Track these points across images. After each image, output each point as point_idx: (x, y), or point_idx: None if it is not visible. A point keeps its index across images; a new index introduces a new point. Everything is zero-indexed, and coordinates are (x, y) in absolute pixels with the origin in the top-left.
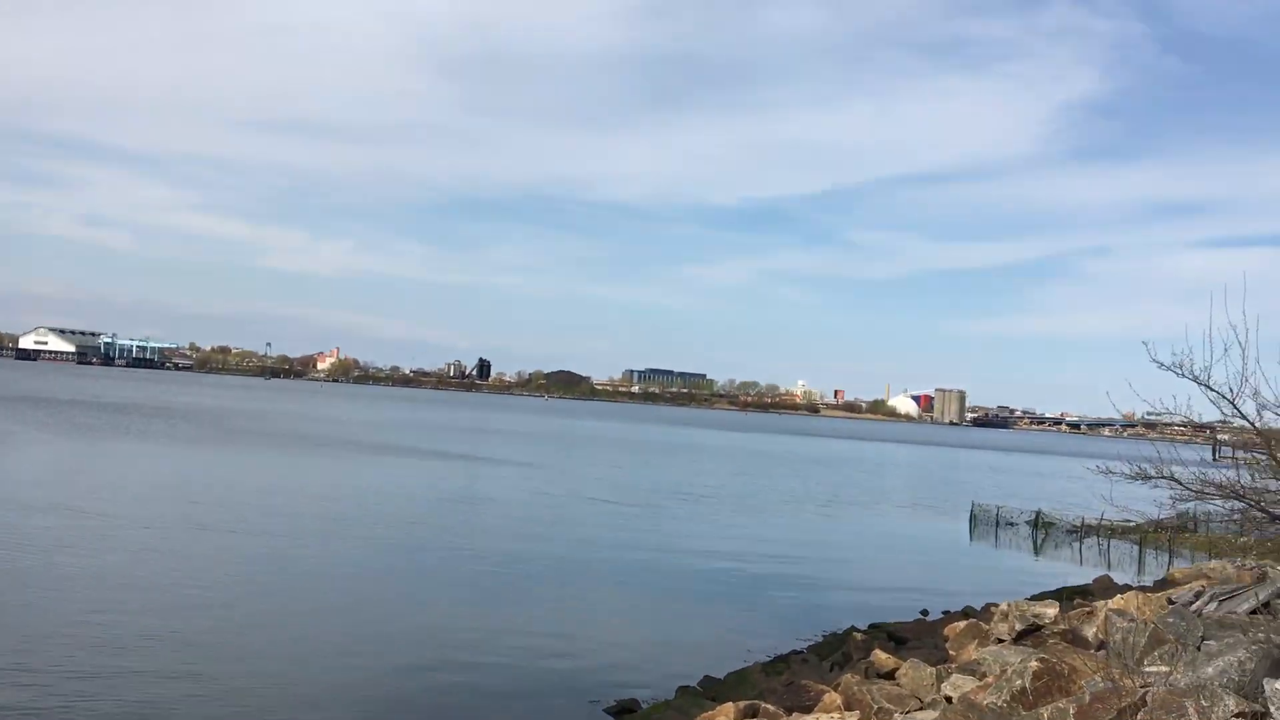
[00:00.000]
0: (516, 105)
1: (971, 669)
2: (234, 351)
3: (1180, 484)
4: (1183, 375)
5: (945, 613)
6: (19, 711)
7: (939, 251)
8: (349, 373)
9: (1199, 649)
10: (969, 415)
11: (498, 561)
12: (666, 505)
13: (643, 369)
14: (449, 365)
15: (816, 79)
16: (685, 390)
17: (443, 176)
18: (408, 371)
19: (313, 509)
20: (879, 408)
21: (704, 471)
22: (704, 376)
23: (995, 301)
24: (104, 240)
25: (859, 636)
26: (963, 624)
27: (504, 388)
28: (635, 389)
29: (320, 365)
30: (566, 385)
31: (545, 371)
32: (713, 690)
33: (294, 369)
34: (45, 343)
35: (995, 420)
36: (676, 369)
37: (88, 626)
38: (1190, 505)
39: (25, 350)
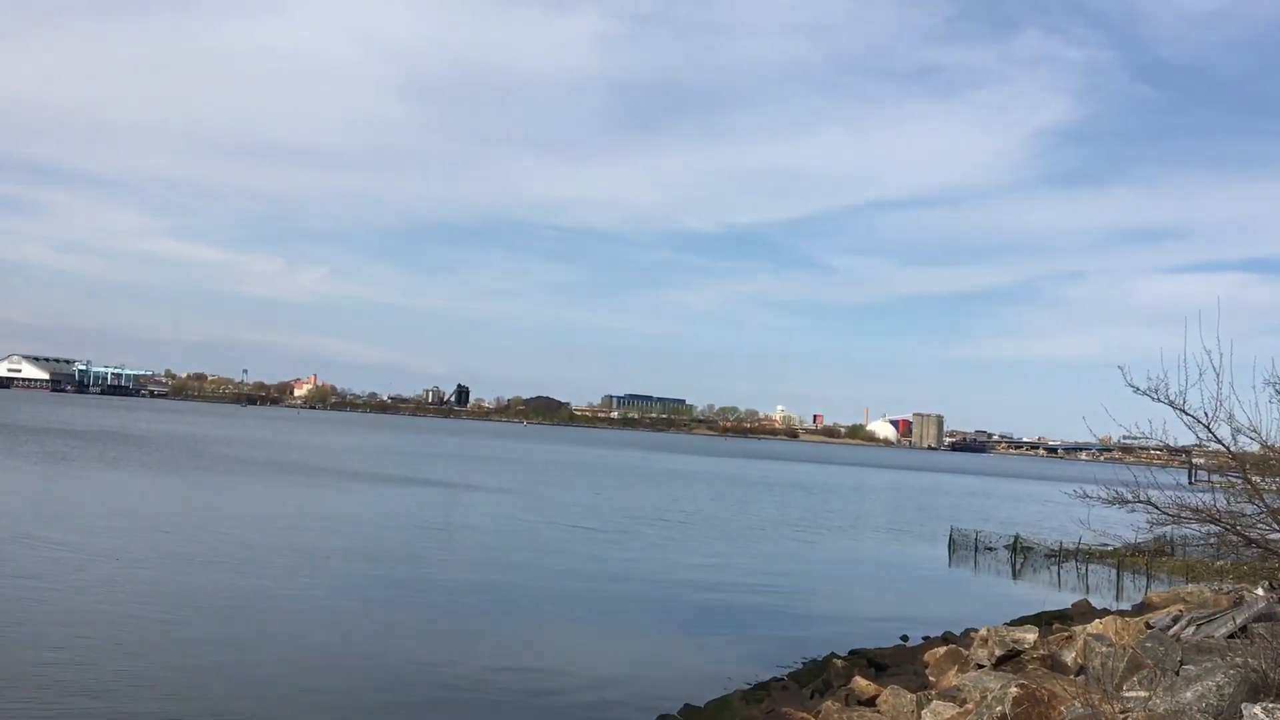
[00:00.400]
0: (493, 131)
1: (952, 695)
2: (210, 378)
3: (1157, 508)
4: (1158, 399)
5: (925, 638)
6: None
7: (915, 276)
8: (326, 399)
9: (1177, 674)
10: (947, 439)
11: (474, 591)
12: (644, 532)
13: (622, 394)
14: (427, 391)
15: (792, 106)
16: (665, 416)
17: (419, 202)
18: (385, 398)
19: (288, 538)
20: (857, 432)
21: (683, 497)
22: (683, 402)
23: (971, 326)
24: (77, 266)
25: (839, 663)
26: (943, 650)
27: (482, 414)
28: (615, 414)
29: (297, 392)
30: (545, 411)
31: (524, 397)
32: (693, 718)
33: (271, 395)
34: (18, 370)
35: (973, 444)
36: (656, 394)
37: (56, 666)
38: (1167, 529)
39: None
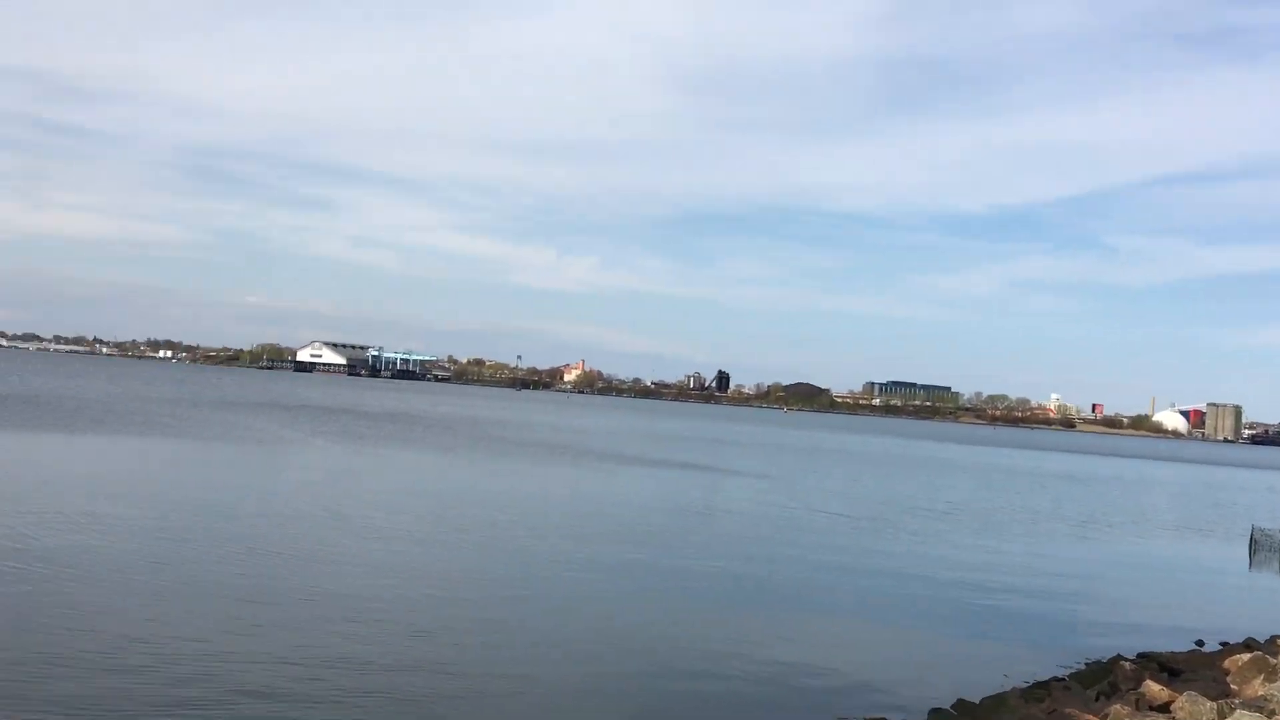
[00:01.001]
0: (756, 118)
1: (1258, 705)
2: (488, 364)
3: None
4: None
5: (1223, 644)
6: None
7: (1209, 255)
8: (593, 384)
9: None
10: (1246, 432)
11: (734, 578)
12: (907, 522)
13: (884, 381)
14: (688, 377)
15: (1071, 77)
16: (929, 403)
17: (683, 192)
18: (649, 383)
19: (556, 516)
20: (1142, 423)
21: (947, 487)
22: (949, 389)
23: (1274, 308)
24: (372, 260)
25: (1127, 666)
26: (1246, 657)
27: (742, 400)
28: (876, 401)
29: (567, 377)
30: (805, 397)
31: (784, 384)
32: (968, 714)
33: (542, 380)
34: (320, 356)
35: (1278, 438)
36: (920, 381)
37: (350, 640)
38: None
39: (302, 363)
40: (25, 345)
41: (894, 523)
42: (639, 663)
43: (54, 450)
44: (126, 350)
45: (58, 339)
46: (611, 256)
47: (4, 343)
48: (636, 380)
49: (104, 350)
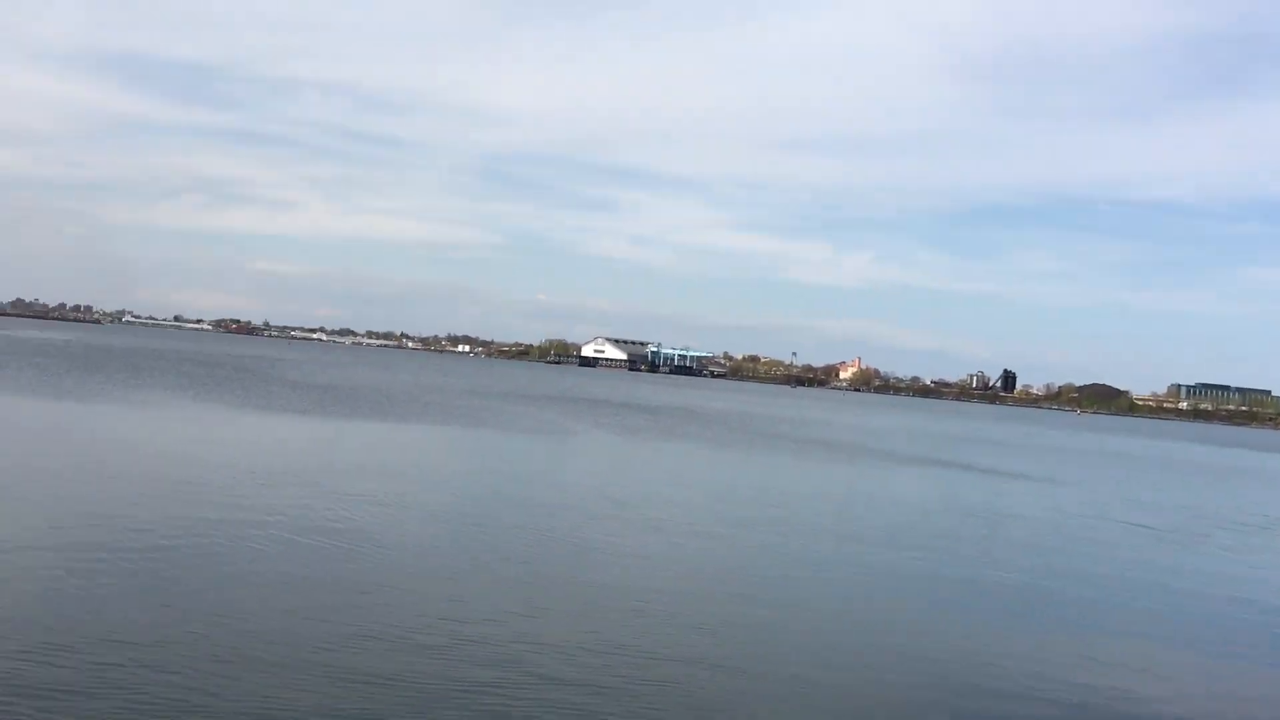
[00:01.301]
0: (1048, 106)
1: None
2: (763, 360)
3: None
4: None
5: None
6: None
7: None
8: (870, 382)
9: None
10: None
11: (1022, 586)
12: (1218, 535)
13: (1192, 384)
14: (971, 376)
15: None
16: (1244, 408)
17: (964, 184)
18: (928, 382)
19: (831, 515)
20: None
21: (1266, 499)
22: (1269, 393)
23: None
24: (650, 258)
25: None
26: None
27: (1030, 400)
28: (1183, 405)
29: (842, 374)
30: (1101, 399)
31: (1077, 384)
32: None
33: (817, 377)
34: (602, 351)
35: None
36: (1234, 384)
37: (625, 629)
38: None
39: (586, 358)
40: (342, 340)
41: (1203, 536)
42: (917, 674)
43: (370, 437)
44: (429, 345)
45: (369, 334)
46: (888, 251)
47: (324, 338)
48: (915, 379)
49: (409, 344)
